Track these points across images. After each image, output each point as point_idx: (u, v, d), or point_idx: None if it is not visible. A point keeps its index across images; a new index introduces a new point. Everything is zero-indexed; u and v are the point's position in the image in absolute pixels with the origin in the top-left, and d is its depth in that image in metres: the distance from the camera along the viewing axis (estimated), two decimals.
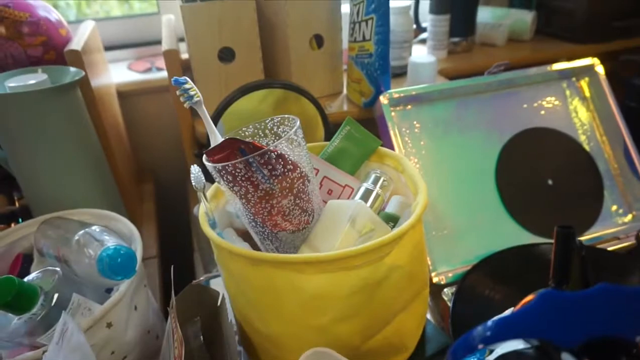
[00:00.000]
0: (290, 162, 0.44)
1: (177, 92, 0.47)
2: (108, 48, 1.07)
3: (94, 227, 0.55)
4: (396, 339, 0.49)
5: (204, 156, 0.45)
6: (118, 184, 0.81)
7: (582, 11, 1.04)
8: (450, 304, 0.61)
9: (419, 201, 0.47)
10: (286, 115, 0.49)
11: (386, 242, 0.41)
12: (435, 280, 0.66)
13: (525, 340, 0.28)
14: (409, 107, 0.75)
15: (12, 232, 0.64)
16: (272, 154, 0.43)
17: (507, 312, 0.34)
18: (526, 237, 0.72)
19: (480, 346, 0.25)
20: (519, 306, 0.31)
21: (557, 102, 0.81)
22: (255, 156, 0.42)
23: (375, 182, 0.51)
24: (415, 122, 0.74)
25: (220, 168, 0.43)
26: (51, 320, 0.48)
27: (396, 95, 0.73)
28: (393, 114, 0.73)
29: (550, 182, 0.76)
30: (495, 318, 0.27)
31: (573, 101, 0.82)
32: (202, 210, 0.48)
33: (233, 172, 0.43)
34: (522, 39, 1.09)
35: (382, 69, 0.75)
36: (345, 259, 0.40)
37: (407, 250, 0.45)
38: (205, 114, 0.49)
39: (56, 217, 0.62)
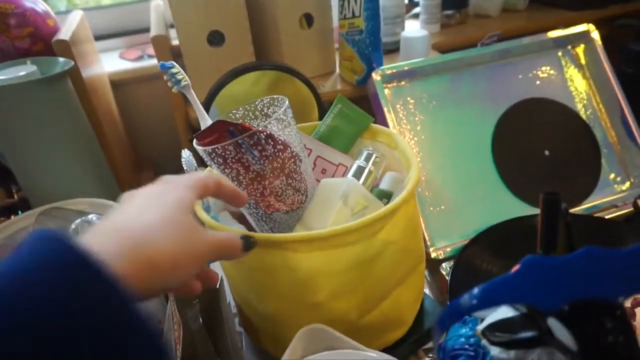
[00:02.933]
0: (280, 142, 0.44)
1: (165, 77, 0.47)
2: (99, 38, 1.06)
3: (90, 216, 0.56)
4: (394, 314, 0.50)
5: (194, 140, 0.45)
6: (115, 172, 0.81)
7: None
8: (448, 278, 0.61)
9: (411, 176, 0.47)
10: (275, 96, 0.49)
11: (378, 218, 0.41)
12: (433, 255, 0.66)
13: (514, 307, 0.29)
14: (403, 83, 0.74)
15: (11, 224, 0.64)
16: (262, 134, 0.43)
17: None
18: (524, 209, 0.72)
19: (469, 315, 0.25)
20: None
21: (552, 72, 0.80)
22: (244, 137, 0.42)
23: (367, 159, 0.51)
24: (409, 98, 0.73)
25: (210, 151, 0.43)
26: None
27: (389, 72, 0.72)
28: (386, 90, 0.72)
29: (547, 152, 0.76)
30: (481, 285, 0.27)
31: (569, 70, 0.81)
32: None
33: (223, 154, 0.43)
34: (516, 9, 1.07)
35: (373, 45, 0.74)
36: (338, 236, 0.40)
37: (400, 225, 0.45)
38: (194, 98, 0.49)
39: (54, 207, 0.63)
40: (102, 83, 0.93)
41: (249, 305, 0.49)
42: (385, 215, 0.42)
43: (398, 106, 0.72)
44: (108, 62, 1.03)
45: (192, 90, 0.48)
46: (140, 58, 1.04)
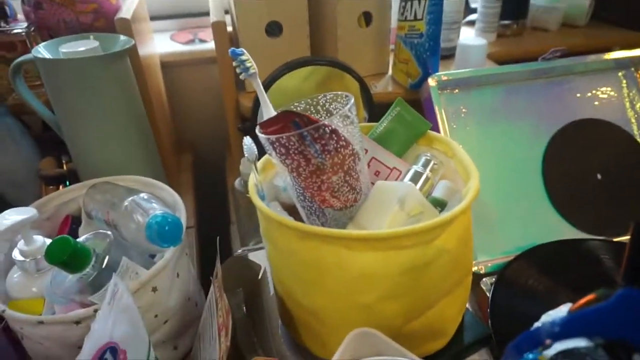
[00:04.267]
0: (343, 138, 0.44)
1: (234, 64, 0.47)
2: (152, 18, 1.08)
3: (142, 194, 0.56)
4: (437, 324, 0.49)
5: (257, 128, 0.45)
6: (160, 153, 0.82)
7: None
8: (489, 294, 0.60)
9: (471, 186, 0.46)
10: (339, 92, 0.49)
11: (438, 225, 0.40)
12: (473, 269, 0.65)
13: (589, 338, 0.28)
14: (457, 90, 0.73)
15: (62, 194, 0.66)
16: (327, 128, 0.42)
17: (563, 307, 0.33)
18: (570, 232, 0.70)
19: (548, 341, 0.25)
20: (580, 303, 0.30)
21: (612, 93, 0.78)
22: (310, 130, 0.42)
23: (425, 165, 0.50)
24: (462, 107, 0.72)
25: (274, 140, 0.43)
26: (101, 281, 0.49)
27: (445, 78, 0.71)
28: (440, 97, 0.71)
29: (599, 176, 0.74)
30: (569, 314, 0.26)
31: (630, 92, 0.78)
32: (252, 182, 0.48)
33: (287, 144, 0.43)
34: (576, 24, 1.04)
35: (432, 50, 0.73)
36: (397, 238, 0.40)
37: (456, 235, 0.44)
38: (260, 86, 0.49)
39: (104, 182, 0.64)
40: (154, 63, 0.94)
41: (293, 299, 0.49)
42: (444, 222, 0.41)
43: (450, 114, 0.71)
44: (159, 43, 1.05)
45: (258, 79, 0.48)
46: (191, 41, 1.05)
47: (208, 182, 1.07)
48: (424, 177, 0.50)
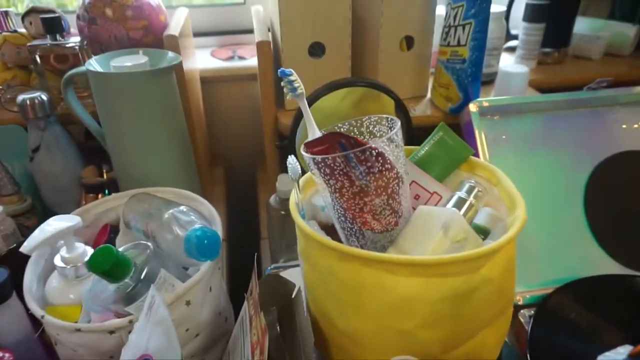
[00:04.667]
0: (388, 161, 0.44)
1: (282, 83, 0.47)
2: (194, 34, 1.11)
3: (181, 207, 0.57)
4: (476, 355, 0.48)
5: (303, 147, 0.45)
6: (196, 165, 0.83)
7: None
8: (527, 327, 0.58)
9: (518, 215, 0.45)
10: (384, 115, 0.49)
11: (485, 253, 0.39)
12: None
13: None
14: (496, 117, 0.72)
15: (102, 203, 0.67)
16: (373, 151, 0.42)
17: (621, 349, 0.31)
18: (613, 267, 0.67)
19: None
20: (638, 348, 0.28)
21: None
22: (356, 152, 0.42)
23: (469, 192, 0.50)
24: (502, 134, 0.71)
25: (319, 160, 0.43)
26: (138, 291, 0.49)
27: (486, 104, 0.70)
28: (480, 123, 0.70)
29: None
30: (622, 356, 0.25)
31: None
32: (293, 200, 0.48)
33: (332, 165, 0.43)
34: (620, 54, 1.02)
35: (473, 76, 0.72)
36: (442, 265, 0.39)
37: (501, 265, 0.43)
38: (306, 107, 0.49)
39: (144, 192, 0.65)
40: (195, 78, 0.96)
41: (328, 320, 0.48)
42: (491, 251, 0.40)
43: (490, 141, 0.70)
44: (200, 59, 1.07)
45: (305, 99, 0.49)
46: (230, 58, 1.07)
47: (239, 196, 1.08)
48: (467, 203, 0.49)
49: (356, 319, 0.44)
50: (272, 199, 0.71)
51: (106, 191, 0.78)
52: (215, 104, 1.09)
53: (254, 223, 0.94)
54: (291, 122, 0.71)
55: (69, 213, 0.62)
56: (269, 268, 0.71)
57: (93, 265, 0.46)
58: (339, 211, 0.47)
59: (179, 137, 0.75)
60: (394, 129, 0.45)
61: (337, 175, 0.43)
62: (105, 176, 0.79)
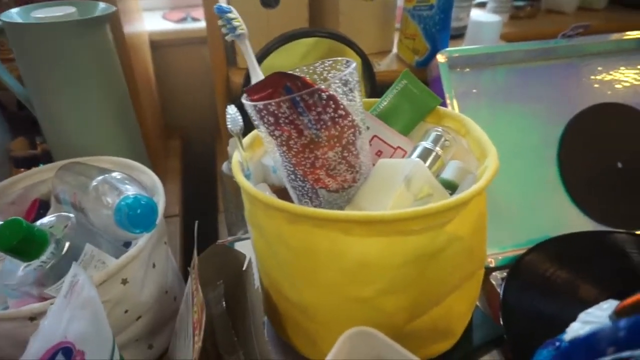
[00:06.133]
0: (341, 107, 0.38)
1: (219, 22, 0.41)
2: None
3: (114, 174, 0.50)
4: (443, 323, 0.43)
5: (243, 95, 0.39)
6: (144, 136, 0.76)
7: None
8: (500, 289, 0.54)
9: (488, 165, 0.40)
10: (339, 58, 0.43)
11: (452, 206, 0.34)
12: None
13: None
14: (467, 69, 0.67)
15: (30, 176, 0.60)
16: (323, 94, 0.36)
17: (605, 305, 0.26)
18: (587, 224, 0.64)
19: (610, 350, 0.19)
20: (631, 301, 0.24)
21: (635, 75, 0.71)
22: (303, 94, 0.35)
23: (435, 141, 0.44)
24: (472, 88, 0.66)
25: (261, 107, 0.37)
26: (62, 270, 0.43)
27: (455, 55, 0.65)
28: (450, 75, 0.65)
29: (620, 164, 0.67)
30: (606, 313, 0.20)
31: None
32: (235, 159, 0.42)
33: (276, 112, 0.36)
34: (593, 7, 0.98)
35: (442, 23, 0.66)
36: (404, 221, 0.33)
37: (470, 221, 0.38)
38: (249, 49, 0.43)
39: (76, 162, 0.57)
40: (142, 42, 0.88)
41: (280, 292, 0.43)
42: (458, 204, 0.35)
43: (460, 94, 0.65)
44: (150, 22, 0.98)
45: (247, 41, 0.42)
46: (183, 20, 0.98)
47: (198, 169, 1.01)
48: (433, 154, 0.44)
49: (309, 290, 0.39)
50: (225, 167, 0.65)
51: (40, 164, 0.70)
52: (169, 71, 1.01)
53: (213, 198, 0.87)
54: (243, 80, 0.64)
55: None
56: (226, 240, 0.65)
57: (0, 241, 0.39)
58: (289, 168, 0.41)
59: (118, 102, 0.67)
60: (348, 68, 0.38)
61: (283, 125, 0.37)
62: (38, 148, 0.71)
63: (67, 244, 0.42)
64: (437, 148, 0.44)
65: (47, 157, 0.69)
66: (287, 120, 0.37)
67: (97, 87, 0.64)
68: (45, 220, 0.44)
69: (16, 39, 0.59)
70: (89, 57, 0.61)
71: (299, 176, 0.40)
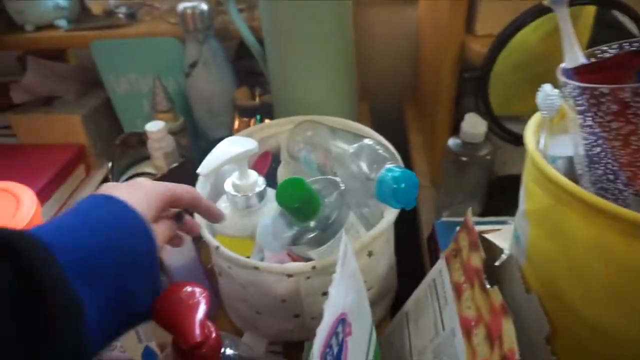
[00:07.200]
0: None
1: None
2: None
3: (366, 141, 0.48)
4: None
5: (561, 72, 0.33)
6: None
7: None
8: None
9: None
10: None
11: None
12: None
13: None
14: None
15: (264, 128, 0.61)
16: None
17: None
18: None
19: None
20: None
21: None
22: None
23: None
24: None
25: (607, 92, 0.30)
26: (323, 236, 0.42)
27: None
28: None
29: None
30: None
31: None
32: (531, 144, 0.37)
33: (627, 100, 0.30)
34: None
35: None
36: None
37: None
38: (567, 17, 0.36)
39: (314, 121, 0.57)
40: None
41: (562, 303, 0.37)
42: None
43: None
44: None
45: (566, 8, 0.36)
46: None
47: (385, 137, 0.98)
48: None
49: (627, 317, 0.33)
50: (452, 142, 0.60)
51: (258, 117, 0.72)
52: (365, 29, 0.97)
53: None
54: (487, 50, 0.58)
55: (220, 136, 0.57)
56: (439, 221, 0.61)
57: (282, 199, 0.39)
58: (608, 166, 0.34)
59: (346, 61, 0.66)
60: None
61: (630, 117, 0.31)
62: (258, 99, 0.73)
63: (335, 212, 0.42)
64: None
65: (265, 109, 0.70)
66: (635, 113, 0.30)
67: (331, 46, 0.62)
68: (314, 182, 0.44)
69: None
70: (329, 21, 0.60)
71: (620, 178, 0.34)
